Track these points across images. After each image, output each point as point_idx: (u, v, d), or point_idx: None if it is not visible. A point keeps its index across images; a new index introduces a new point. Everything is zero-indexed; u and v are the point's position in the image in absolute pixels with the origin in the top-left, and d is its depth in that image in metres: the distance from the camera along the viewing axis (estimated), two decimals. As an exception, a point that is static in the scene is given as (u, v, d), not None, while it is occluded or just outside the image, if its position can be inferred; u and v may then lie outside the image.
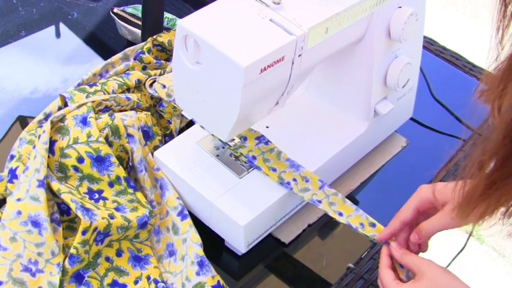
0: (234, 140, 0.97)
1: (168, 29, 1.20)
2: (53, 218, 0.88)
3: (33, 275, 0.84)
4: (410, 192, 0.97)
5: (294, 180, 0.94)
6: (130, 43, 1.23)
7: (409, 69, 1.02)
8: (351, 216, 0.90)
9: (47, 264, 0.85)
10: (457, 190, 0.69)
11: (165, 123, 1.06)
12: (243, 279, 0.94)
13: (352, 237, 1.02)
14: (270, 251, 0.97)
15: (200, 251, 0.90)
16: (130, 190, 0.93)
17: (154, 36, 1.13)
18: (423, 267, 0.80)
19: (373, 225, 0.90)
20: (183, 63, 0.81)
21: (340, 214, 0.91)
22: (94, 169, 0.92)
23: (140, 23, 1.19)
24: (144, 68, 1.11)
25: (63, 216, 0.91)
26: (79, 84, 1.07)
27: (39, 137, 0.92)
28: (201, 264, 0.89)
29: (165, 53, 1.15)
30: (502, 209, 0.66)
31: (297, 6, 0.83)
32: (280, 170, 0.95)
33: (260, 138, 0.97)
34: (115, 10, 1.24)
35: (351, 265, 0.96)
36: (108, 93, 1.02)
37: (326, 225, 1.02)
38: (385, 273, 0.82)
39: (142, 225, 0.90)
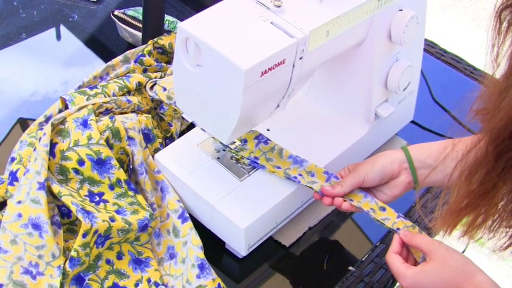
0: (234, 142, 0.97)
1: (168, 32, 1.20)
2: (54, 221, 0.88)
3: (34, 277, 0.84)
4: (410, 194, 0.97)
5: (300, 175, 0.94)
6: (131, 46, 1.23)
7: (409, 72, 1.02)
8: (361, 202, 0.91)
9: (47, 267, 0.85)
10: (440, 202, 0.70)
11: (166, 126, 1.06)
12: (244, 282, 0.94)
13: (353, 240, 1.02)
14: (270, 253, 0.97)
15: (201, 254, 0.89)
16: (131, 193, 0.93)
17: (155, 39, 1.13)
18: (433, 248, 0.80)
19: (383, 209, 0.90)
20: (184, 66, 0.81)
21: (351, 200, 0.91)
22: (95, 172, 0.92)
23: (141, 25, 1.19)
24: (144, 71, 1.11)
25: (63, 219, 0.91)
26: (80, 87, 1.07)
27: (39, 140, 0.92)
28: (201, 267, 0.88)
29: (166, 55, 1.15)
30: (489, 223, 0.66)
31: (298, 9, 0.83)
32: (284, 167, 0.95)
33: (259, 138, 0.97)
34: (116, 12, 1.24)
35: (351, 268, 0.96)
36: (109, 96, 1.02)
37: (327, 228, 1.02)
38: (392, 259, 0.82)
39: (143, 227, 0.90)
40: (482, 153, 0.61)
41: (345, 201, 0.90)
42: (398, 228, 0.87)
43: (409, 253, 0.86)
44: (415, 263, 0.85)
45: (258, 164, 0.95)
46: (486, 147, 0.60)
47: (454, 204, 0.66)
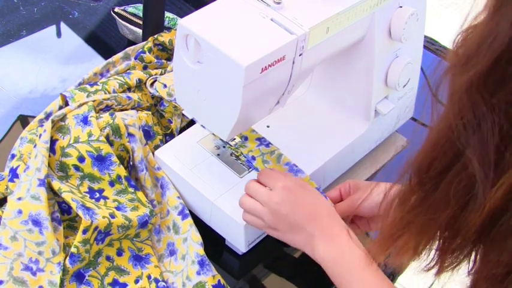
0: (234, 139, 0.97)
1: (169, 29, 1.20)
2: (54, 217, 0.88)
3: (34, 274, 0.84)
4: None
5: None
6: (131, 42, 1.23)
7: (409, 68, 1.02)
8: None
9: (47, 263, 0.85)
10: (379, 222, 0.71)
11: (166, 123, 1.06)
12: (244, 278, 0.94)
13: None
14: (270, 250, 0.97)
15: (201, 250, 0.90)
16: (131, 189, 0.94)
17: (155, 36, 1.13)
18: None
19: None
20: (184, 63, 0.81)
21: None
22: (95, 168, 0.92)
23: (141, 22, 1.19)
24: (145, 68, 1.11)
25: (63, 215, 0.91)
26: (80, 84, 1.07)
27: (40, 136, 0.92)
28: (201, 264, 0.89)
29: (166, 52, 1.15)
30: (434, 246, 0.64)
31: (297, 5, 0.83)
32: None
33: (261, 140, 0.97)
34: (116, 9, 1.24)
35: (351, 265, 0.96)
36: (109, 93, 1.02)
37: (326, 224, 1.02)
38: (252, 185, 0.86)
39: (143, 224, 0.90)
40: (407, 185, 0.63)
41: None
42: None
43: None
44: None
45: (252, 165, 0.95)
46: (410, 180, 0.63)
47: (385, 229, 0.66)
